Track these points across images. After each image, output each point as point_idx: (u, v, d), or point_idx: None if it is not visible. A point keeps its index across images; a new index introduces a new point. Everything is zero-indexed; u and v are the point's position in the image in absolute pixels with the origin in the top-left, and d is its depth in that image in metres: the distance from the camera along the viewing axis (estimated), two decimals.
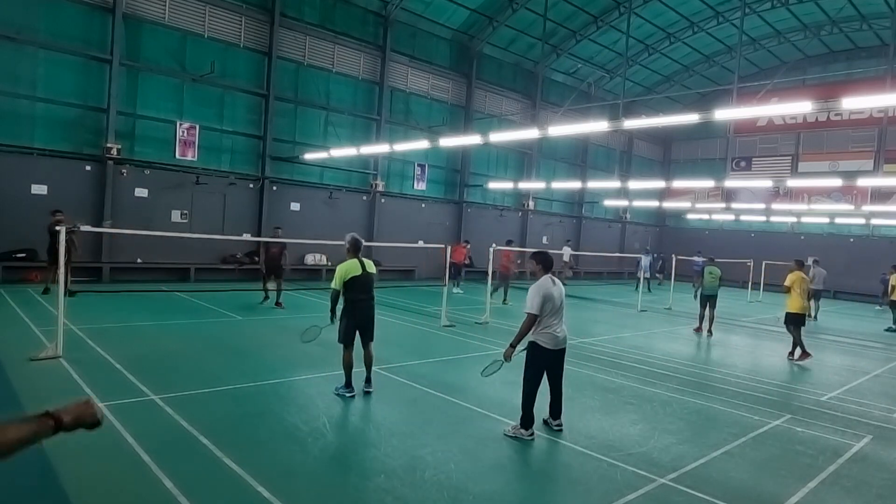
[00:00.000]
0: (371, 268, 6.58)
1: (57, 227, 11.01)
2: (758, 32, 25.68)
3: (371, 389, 6.65)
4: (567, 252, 23.93)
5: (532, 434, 5.40)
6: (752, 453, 5.51)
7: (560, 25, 23.78)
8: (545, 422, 5.79)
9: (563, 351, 5.60)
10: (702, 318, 13.05)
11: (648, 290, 22.31)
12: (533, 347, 5.46)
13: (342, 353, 6.48)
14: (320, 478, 4.42)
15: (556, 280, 5.59)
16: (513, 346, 5.42)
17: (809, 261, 16.89)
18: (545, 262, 5.57)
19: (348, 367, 6.48)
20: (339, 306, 6.46)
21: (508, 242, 17.46)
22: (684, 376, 8.61)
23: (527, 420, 5.40)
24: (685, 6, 23.67)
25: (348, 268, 6.41)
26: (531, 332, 5.41)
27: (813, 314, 17.52)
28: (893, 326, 15.90)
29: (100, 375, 6.61)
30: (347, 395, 6.46)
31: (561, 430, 5.67)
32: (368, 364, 6.66)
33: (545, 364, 5.51)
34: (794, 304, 10.33)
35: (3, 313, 10.14)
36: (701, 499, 4.41)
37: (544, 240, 27.83)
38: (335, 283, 6.37)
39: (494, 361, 5.74)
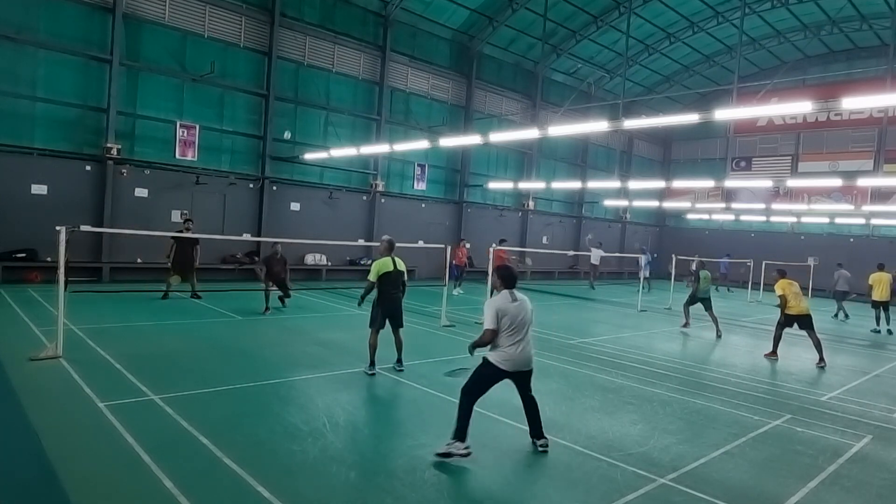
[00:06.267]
0: (401, 266, 7.52)
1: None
2: (758, 32, 25.68)
3: (402, 369, 7.55)
4: (597, 254, 22.89)
5: (468, 448, 4.82)
6: (752, 453, 5.51)
7: (560, 25, 23.78)
8: (532, 442, 5.30)
9: (523, 374, 5.10)
10: (687, 313, 13.64)
11: (647, 290, 21.98)
12: (484, 362, 5.04)
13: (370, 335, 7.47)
14: (320, 477, 4.41)
15: (521, 296, 5.13)
16: (473, 346, 5.10)
17: (810, 261, 16.99)
18: (505, 278, 5.19)
19: (372, 347, 7.43)
20: (370, 296, 7.50)
21: (501, 241, 17.42)
22: (684, 376, 8.61)
23: (460, 432, 4.86)
24: (685, 6, 23.67)
25: (382, 265, 7.38)
26: (490, 346, 5.04)
27: (845, 315, 17.78)
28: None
29: (100, 375, 6.61)
30: (369, 372, 7.35)
31: (546, 452, 5.14)
32: (398, 347, 7.62)
33: (493, 382, 5.05)
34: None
35: (3, 313, 10.14)
36: (701, 499, 4.41)
37: (544, 240, 27.84)
38: (371, 276, 7.37)
39: (461, 369, 5.39)
